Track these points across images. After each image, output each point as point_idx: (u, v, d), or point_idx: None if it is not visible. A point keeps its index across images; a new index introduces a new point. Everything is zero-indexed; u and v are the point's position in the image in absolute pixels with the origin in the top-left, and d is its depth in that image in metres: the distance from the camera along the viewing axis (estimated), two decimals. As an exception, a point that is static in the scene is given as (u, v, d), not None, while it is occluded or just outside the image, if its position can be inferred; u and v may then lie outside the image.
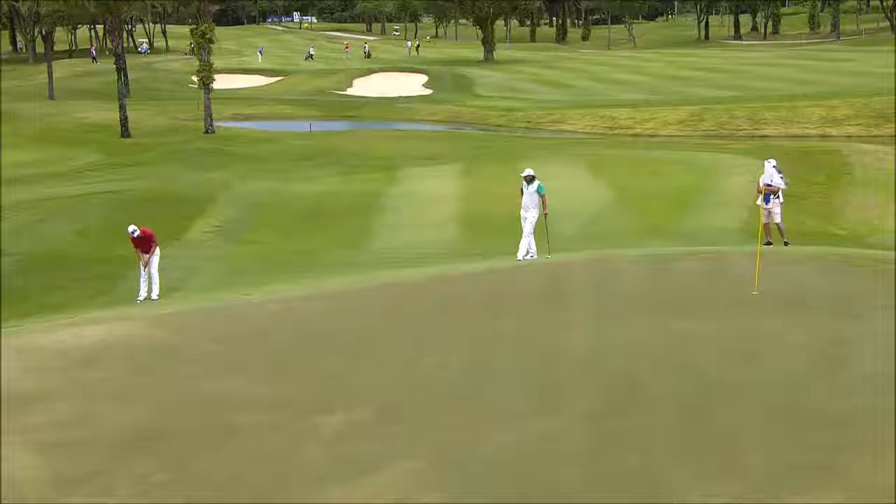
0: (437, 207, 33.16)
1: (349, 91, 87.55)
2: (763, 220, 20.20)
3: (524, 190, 20.23)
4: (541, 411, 9.31)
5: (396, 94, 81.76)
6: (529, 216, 20.13)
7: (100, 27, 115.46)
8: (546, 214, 20.31)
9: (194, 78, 67.67)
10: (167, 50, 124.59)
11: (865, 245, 23.72)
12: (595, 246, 22.89)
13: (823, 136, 53.20)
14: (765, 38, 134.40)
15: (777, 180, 21.07)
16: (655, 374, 10.31)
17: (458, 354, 11.47)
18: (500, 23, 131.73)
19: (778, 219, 21.44)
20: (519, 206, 20.52)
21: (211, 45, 56.76)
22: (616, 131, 60.04)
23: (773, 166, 21.15)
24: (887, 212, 31.01)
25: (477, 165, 40.46)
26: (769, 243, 20.80)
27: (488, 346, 11.76)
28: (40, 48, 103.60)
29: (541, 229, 20.39)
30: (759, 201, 21.03)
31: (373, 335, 12.70)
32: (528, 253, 19.94)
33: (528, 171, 20.37)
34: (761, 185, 21.09)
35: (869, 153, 38.67)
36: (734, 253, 18.45)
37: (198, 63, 58.12)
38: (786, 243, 21.37)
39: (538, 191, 20.09)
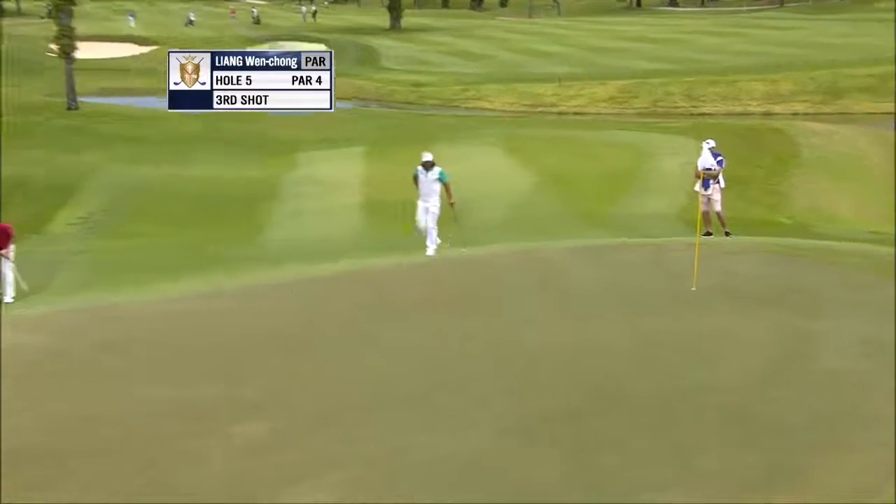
0: (342, 194, 33.36)
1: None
2: (702, 207, 20.38)
3: (421, 177, 20.43)
4: (489, 417, 9.44)
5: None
6: (432, 206, 20.37)
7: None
8: (453, 204, 20.53)
9: (53, 46, 65.40)
10: (18, 12, 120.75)
11: (812, 234, 24.47)
12: (521, 235, 23.25)
13: (767, 114, 54.54)
14: (702, 4, 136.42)
15: (712, 162, 21.47)
16: (602, 376, 10.54)
17: (393, 357, 11.56)
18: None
19: (718, 206, 21.79)
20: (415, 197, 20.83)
21: (72, 8, 55.06)
22: (539, 109, 60.62)
23: (710, 148, 21.58)
24: (837, 198, 32.07)
25: (384, 148, 40.45)
26: (709, 233, 21.36)
27: (424, 349, 11.87)
28: None
29: (447, 219, 20.71)
30: (698, 187, 21.38)
31: (292, 337, 12.69)
32: (432, 249, 20.31)
33: (427, 156, 20.54)
34: (700, 168, 21.55)
35: (817, 133, 39.79)
36: (673, 243, 18.84)
37: (56, 28, 56.34)
38: (727, 233, 21.71)
39: (440, 178, 20.34)
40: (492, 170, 34.24)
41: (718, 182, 21.75)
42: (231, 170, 37.94)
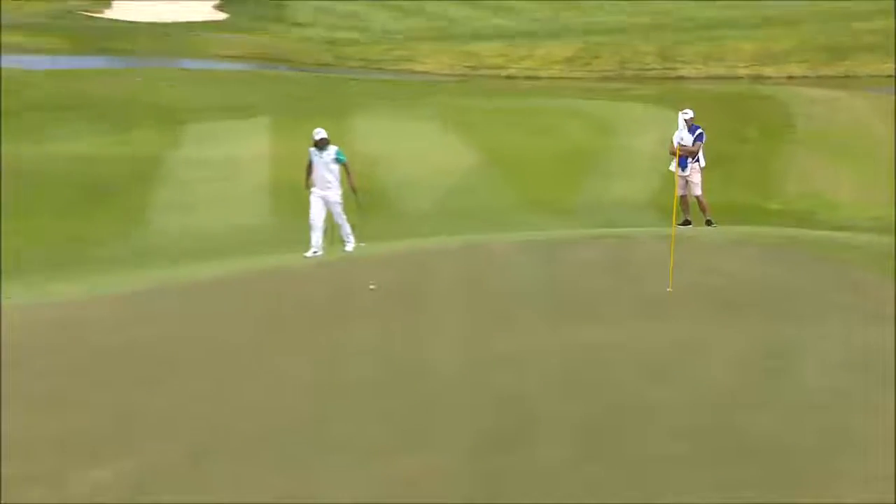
0: (239, 178, 33.37)
1: (107, 13, 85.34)
2: (679, 191, 20.40)
3: (314, 160, 20.51)
4: (405, 447, 9.55)
5: (176, 20, 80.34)
6: (331, 195, 20.46)
7: None
8: (355, 190, 20.63)
9: None
10: None
11: (811, 224, 24.69)
12: (460, 228, 23.37)
13: (757, 78, 55.19)
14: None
15: (690, 137, 21.70)
16: (549, 397, 10.69)
17: (293, 376, 11.68)
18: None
19: (698, 190, 21.95)
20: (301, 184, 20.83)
21: None
22: (482, 72, 60.70)
23: (688, 119, 21.75)
24: (839, 179, 32.45)
25: (293, 120, 39.55)
26: (687, 222, 21.73)
27: (335, 364, 11.99)
28: None
29: (350, 209, 20.85)
30: (674, 167, 21.29)
31: (177, 353, 12.70)
32: (314, 249, 20.29)
33: (320, 133, 20.60)
34: (675, 144, 21.59)
35: (816, 100, 40.09)
36: (644, 236, 18.92)
37: None
38: (708, 222, 21.98)
39: (337, 159, 20.47)
40: (424, 148, 34.25)
41: (698, 161, 21.88)
42: (101, 147, 36.95)
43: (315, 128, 21.11)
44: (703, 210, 22.24)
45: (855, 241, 19.32)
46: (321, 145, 20.48)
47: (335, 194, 20.50)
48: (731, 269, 16.17)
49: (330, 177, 20.47)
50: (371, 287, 15.05)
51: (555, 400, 10.61)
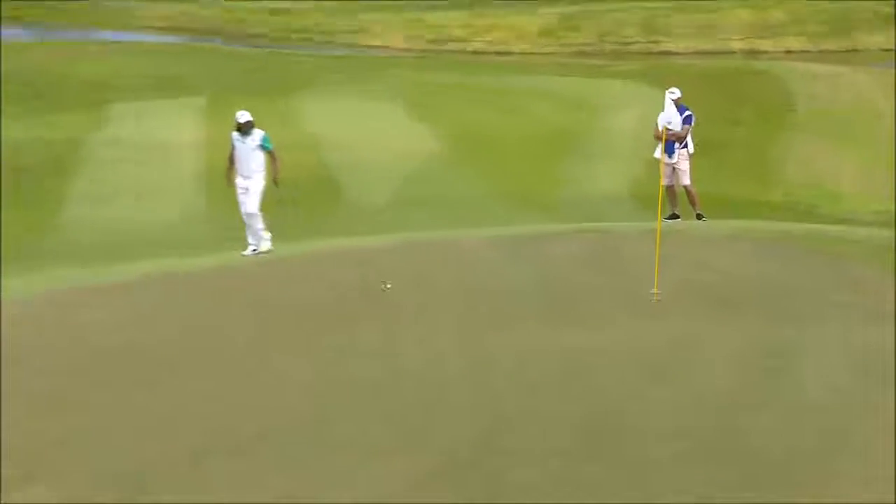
0: (168, 164, 33.19)
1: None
2: (665, 181, 20.54)
3: (237, 146, 20.37)
4: (373, 476, 9.52)
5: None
6: (252, 185, 20.27)
7: None
8: (278, 183, 20.52)
9: None
10: None
11: (813, 218, 24.69)
12: (420, 223, 23.33)
13: (752, 53, 55.53)
14: None
15: (677, 120, 21.58)
16: (536, 404, 10.77)
17: (256, 387, 11.71)
18: None
19: (686, 179, 21.87)
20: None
21: None
22: (445, 47, 60.61)
23: (675, 100, 21.73)
24: (843, 166, 32.57)
25: (229, 100, 39.24)
26: (675, 216, 21.71)
27: (301, 371, 12.08)
28: None
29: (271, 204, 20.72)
30: (659, 153, 20.90)
31: (115, 362, 12.72)
32: (252, 247, 20.19)
33: (244, 115, 20.45)
34: (661, 127, 21.09)
35: (818, 77, 40.21)
36: (625, 231, 18.84)
37: None
38: (698, 216, 21.98)
39: (263, 145, 20.33)
40: (380, 132, 34.10)
41: (686, 146, 21.79)
42: (13, 129, 36.53)
43: (241, 110, 20.90)
44: (691, 202, 22.17)
45: (856, 235, 19.52)
46: (245, 129, 20.18)
47: (256, 185, 20.19)
48: (722, 266, 16.29)
49: (253, 165, 20.22)
50: (387, 287, 15.04)
51: (529, 412, 10.64)
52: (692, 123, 21.81)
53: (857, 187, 30.80)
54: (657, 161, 21.01)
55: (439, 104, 38.50)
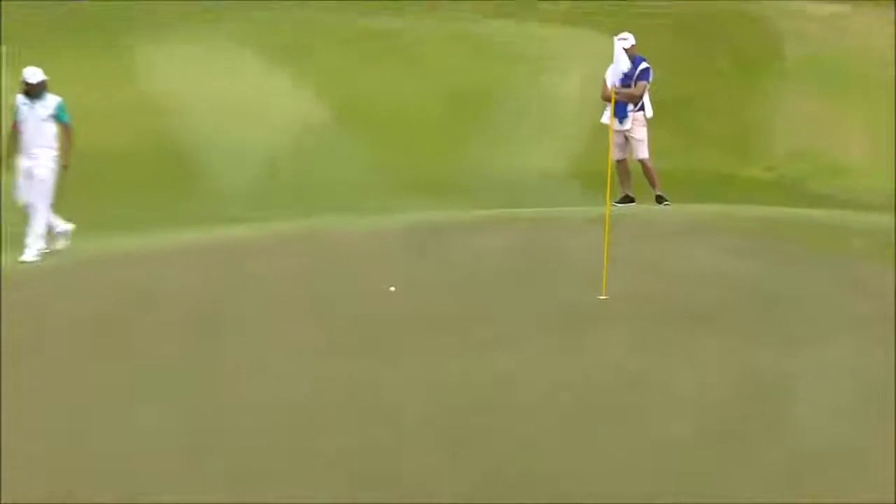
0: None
1: None
2: (615, 153, 20.73)
3: (24, 112, 20.36)
4: None
5: None
6: (39, 168, 20.21)
7: None
8: (66, 165, 20.46)
9: None
10: None
11: (807, 199, 24.92)
12: (294, 210, 23.53)
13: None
14: None
15: (630, 73, 21.44)
16: (444, 453, 10.67)
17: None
18: None
19: (643, 151, 21.96)
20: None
21: None
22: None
23: (627, 48, 21.19)
24: (844, 131, 32.46)
25: (33, 49, 36.38)
26: (628, 199, 21.82)
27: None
28: None
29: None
30: (607, 117, 21.00)
31: None
32: (37, 247, 20.00)
33: (33, 73, 20.48)
34: (610, 83, 20.58)
35: (813, 18, 39.71)
36: (563, 220, 18.98)
37: None
38: (659, 198, 22.12)
39: (56, 116, 20.40)
40: (238, 91, 33.55)
41: (642, 109, 21.88)
42: None
43: (32, 66, 20.80)
44: (650, 181, 22.41)
45: (862, 223, 19.78)
46: (34, 92, 20.24)
47: (46, 167, 20.07)
48: (690, 267, 16.27)
49: (41, 140, 20.19)
50: (391, 289, 15.45)
51: (427, 460, 10.62)
52: (650, 79, 22.13)
53: (863, 159, 30.91)
54: (605, 128, 21.11)
55: (317, 53, 37.74)
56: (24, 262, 19.51)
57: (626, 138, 21.84)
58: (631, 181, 22.13)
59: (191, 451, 10.97)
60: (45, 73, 20.47)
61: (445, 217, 20.87)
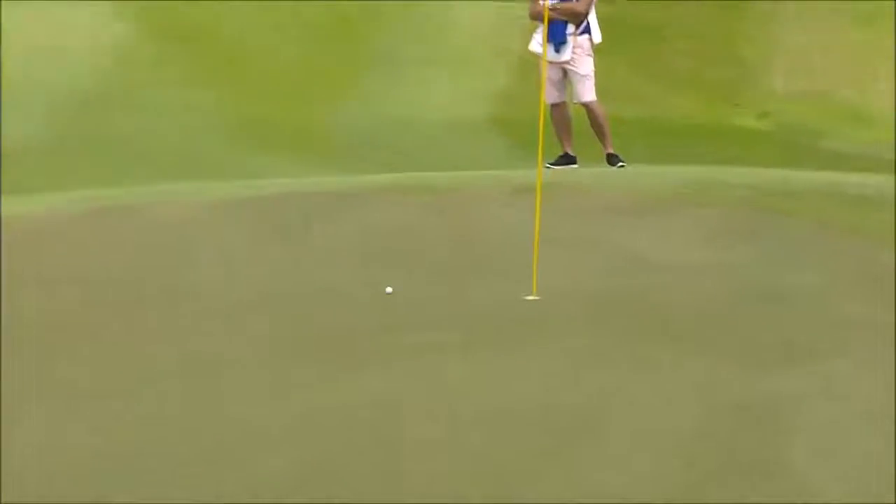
0: None
1: None
2: (549, 95, 19.25)
3: None
4: None
5: None
6: None
7: None
8: None
9: None
10: None
11: (817, 156, 23.56)
12: (105, 177, 21.28)
13: None
14: None
15: None
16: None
17: None
18: None
19: (589, 93, 19.90)
20: None
21: None
22: None
23: None
24: (858, 65, 29.93)
25: None
26: (568, 158, 20.03)
27: None
28: None
29: None
30: (537, 44, 19.37)
31: None
32: None
33: None
34: (541, 2, 19.11)
35: None
36: (477, 188, 17.32)
37: None
38: (612, 158, 20.04)
39: None
40: (40, 22, 30.76)
41: (587, 31, 19.41)
42: None
43: None
44: (599, 134, 20.12)
45: (885, 189, 16.91)
46: None
47: None
48: (654, 255, 14.13)
49: None
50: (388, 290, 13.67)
51: None
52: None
53: (889, 104, 28.35)
54: (536, 59, 19.97)
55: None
56: None
57: (566, 73, 19.45)
58: (571, 134, 19.77)
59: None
60: None
61: (319, 184, 18.27)
